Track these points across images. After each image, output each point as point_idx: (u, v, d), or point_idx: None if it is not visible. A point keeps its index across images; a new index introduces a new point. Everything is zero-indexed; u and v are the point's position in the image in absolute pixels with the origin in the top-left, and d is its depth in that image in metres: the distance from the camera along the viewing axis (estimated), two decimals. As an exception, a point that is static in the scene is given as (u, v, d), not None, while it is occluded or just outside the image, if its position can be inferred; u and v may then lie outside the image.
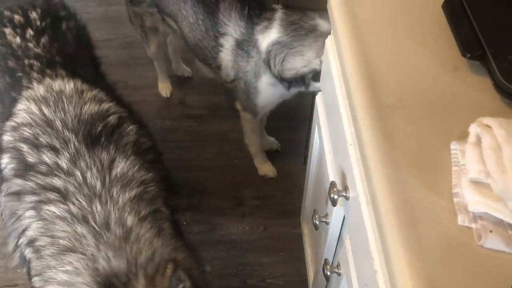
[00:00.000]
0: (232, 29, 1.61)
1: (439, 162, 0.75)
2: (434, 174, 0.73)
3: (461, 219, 0.67)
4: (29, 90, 1.21)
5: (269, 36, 1.55)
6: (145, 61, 2.35)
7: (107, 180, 1.06)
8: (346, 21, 0.94)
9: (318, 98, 1.19)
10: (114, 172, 1.08)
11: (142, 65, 2.38)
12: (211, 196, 1.95)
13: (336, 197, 0.89)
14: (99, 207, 1.01)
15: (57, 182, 1.04)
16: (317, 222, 1.06)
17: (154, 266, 0.94)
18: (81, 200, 1.02)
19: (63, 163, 1.07)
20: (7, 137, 1.14)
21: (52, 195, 1.03)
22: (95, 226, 0.99)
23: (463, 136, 0.75)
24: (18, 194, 1.07)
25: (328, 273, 1.04)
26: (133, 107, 1.43)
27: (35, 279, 1.03)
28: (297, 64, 1.52)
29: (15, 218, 1.06)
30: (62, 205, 1.01)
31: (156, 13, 1.84)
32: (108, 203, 1.02)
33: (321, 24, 1.47)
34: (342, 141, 0.92)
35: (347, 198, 0.89)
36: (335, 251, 1.09)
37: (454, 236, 0.66)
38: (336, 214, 0.98)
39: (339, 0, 0.98)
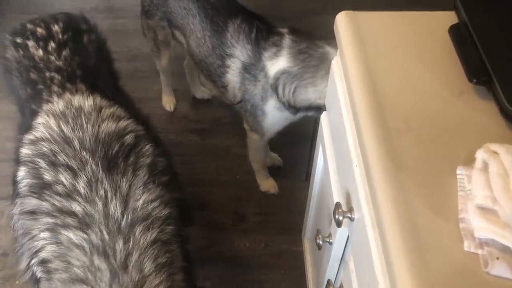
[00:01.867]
0: (239, 51, 1.62)
1: (445, 186, 0.75)
2: (441, 198, 0.74)
3: (467, 245, 0.67)
4: (49, 104, 1.21)
5: (277, 63, 1.54)
6: (149, 74, 2.36)
7: (129, 215, 1.02)
8: (353, 44, 0.95)
9: (323, 118, 1.20)
10: (135, 205, 1.05)
11: (146, 78, 2.39)
12: (212, 211, 1.95)
13: (341, 218, 0.89)
14: (121, 245, 0.97)
15: (75, 207, 1.01)
16: (320, 242, 1.06)
17: None
18: (104, 233, 0.98)
19: (81, 187, 1.05)
20: (25, 150, 1.14)
21: (70, 220, 1.00)
22: (114, 263, 0.95)
23: (469, 161, 0.76)
24: (33, 214, 1.05)
25: (331, 294, 1.03)
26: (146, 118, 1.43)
27: None
28: (310, 95, 1.52)
29: (29, 237, 1.05)
30: (81, 233, 0.98)
31: (167, 27, 1.86)
32: (131, 243, 0.98)
33: (331, 52, 1.47)
34: (347, 162, 0.93)
35: (352, 219, 0.89)
36: (337, 272, 1.09)
37: (460, 262, 0.66)
38: (340, 234, 0.97)
39: (346, 23, 0.99)
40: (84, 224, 0.99)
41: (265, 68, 1.57)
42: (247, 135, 1.85)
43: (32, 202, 1.06)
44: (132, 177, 1.10)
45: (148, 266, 0.98)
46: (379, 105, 0.85)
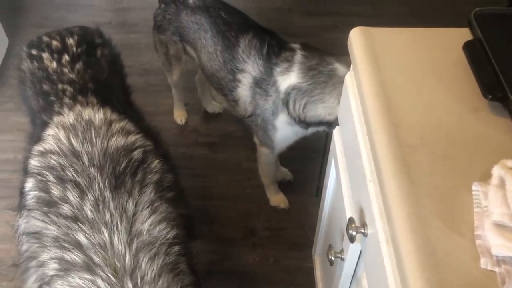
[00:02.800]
0: (251, 66, 1.63)
1: (461, 203, 0.74)
2: (456, 214, 0.73)
3: (484, 262, 0.66)
4: (60, 116, 1.22)
5: (289, 79, 1.56)
6: (161, 88, 2.39)
7: (134, 243, 1.01)
8: (367, 60, 0.95)
9: (336, 133, 1.20)
10: (141, 229, 1.04)
11: (158, 92, 2.42)
12: (222, 225, 1.94)
13: (354, 233, 0.89)
14: (130, 285, 0.96)
15: (81, 238, 1.01)
16: (332, 258, 1.05)
17: None
18: (109, 275, 0.97)
19: (87, 209, 1.04)
20: (34, 162, 1.15)
21: (76, 257, 0.99)
22: None
23: (485, 177, 0.75)
24: (38, 237, 1.05)
25: (343, 311, 1.02)
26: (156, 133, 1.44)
27: None
28: (320, 111, 1.53)
29: (37, 263, 1.04)
30: (88, 276, 0.97)
31: (179, 42, 1.88)
32: (139, 280, 0.97)
33: (339, 68, 1.48)
34: (361, 177, 0.92)
35: (365, 235, 0.89)
36: (349, 288, 1.08)
37: (476, 279, 0.65)
38: (352, 250, 0.97)
39: (360, 39, 1.00)
40: (90, 265, 0.98)
41: (277, 83, 1.58)
42: (257, 149, 1.85)
43: (37, 224, 1.06)
44: (138, 195, 1.10)
45: None
46: (393, 121, 0.85)
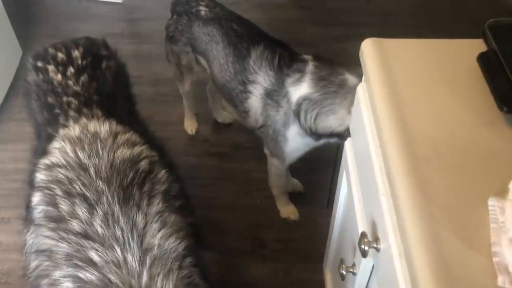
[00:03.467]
0: (262, 78, 1.63)
1: (476, 218, 0.72)
2: (472, 230, 0.71)
3: (502, 280, 0.64)
4: (65, 129, 1.23)
5: (300, 89, 1.55)
6: (172, 98, 2.39)
7: (147, 262, 1.00)
8: (379, 71, 0.94)
9: (347, 144, 1.19)
10: (151, 243, 1.04)
11: (169, 102, 2.42)
12: (231, 237, 1.93)
13: (366, 248, 0.87)
14: None
15: (94, 256, 1.00)
16: (344, 273, 1.03)
17: None
18: None
19: (97, 224, 1.04)
20: (40, 176, 1.15)
21: (91, 275, 0.98)
22: None
23: (501, 192, 0.73)
24: (49, 255, 1.04)
25: (355, 326, 1.00)
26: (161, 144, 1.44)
27: None
28: (331, 122, 1.52)
29: (49, 281, 1.03)
30: None
31: (191, 52, 1.89)
32: None
33: (350, 79, 1.47)
34: (373, 190, 0.91)
35: (377, 249, 0.87)
36: (361, 303, 1.05)
37: (494, 298, 0.64)
38: (364, 265, 0.95)
39: (372, 50, 0.99)
40: (107, 284, 0.97)
41: (288, 94, 1.58)
42: (268, 160, 1.84)
43: (47, 242, 1.05)
44: (147, 207, 1.10)
45: None
46: (406, 133, 0.83)
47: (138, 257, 1.00)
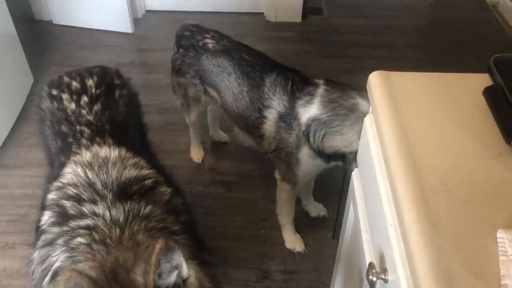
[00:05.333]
0: (276, 102, 1.67)
1: (485, 250, 0.72)
2: (480, 262, 0.71)
3: (512, 314, 0.64)
4: (77, 156, 1.25)
5: (309, 111, 1.59)
6: (179, 127, 2.42)
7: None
8: (386, 103, 0.96)
9: (355, 174, 1.19)
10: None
11: (176, 131, 2.45)
12: (235, 267, 1.91)
13: (374, 279, 0.86)
14: None
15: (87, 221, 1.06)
16: (351, 304, 1.02)
17: None
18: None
19: (100, 209, 1.09)
20: (51, 196, 1.17)
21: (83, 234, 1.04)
22: None
23: (510, 224, 0.73)
24: (51, 243, 1.08)
25: None
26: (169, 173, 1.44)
27: None
28: (337, 143, 1.54)
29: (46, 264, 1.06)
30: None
31: (199, 84, 1.92)
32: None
33: (361, 103, 1.50)
34: (381, 221, 0.91)
35: (385, 281, 0.86)
36: (368, 337, 1.04)
37: (505, 332, 0.63)
38: (372, 297, 0.94)
39: (379, 83, 1.01)
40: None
41: (298, 116, 1.61)
42: (277, 186, 1.84)
43: (53, 231, 1.08)
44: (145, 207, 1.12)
45: None
46: (414, 165, 0.84)
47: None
